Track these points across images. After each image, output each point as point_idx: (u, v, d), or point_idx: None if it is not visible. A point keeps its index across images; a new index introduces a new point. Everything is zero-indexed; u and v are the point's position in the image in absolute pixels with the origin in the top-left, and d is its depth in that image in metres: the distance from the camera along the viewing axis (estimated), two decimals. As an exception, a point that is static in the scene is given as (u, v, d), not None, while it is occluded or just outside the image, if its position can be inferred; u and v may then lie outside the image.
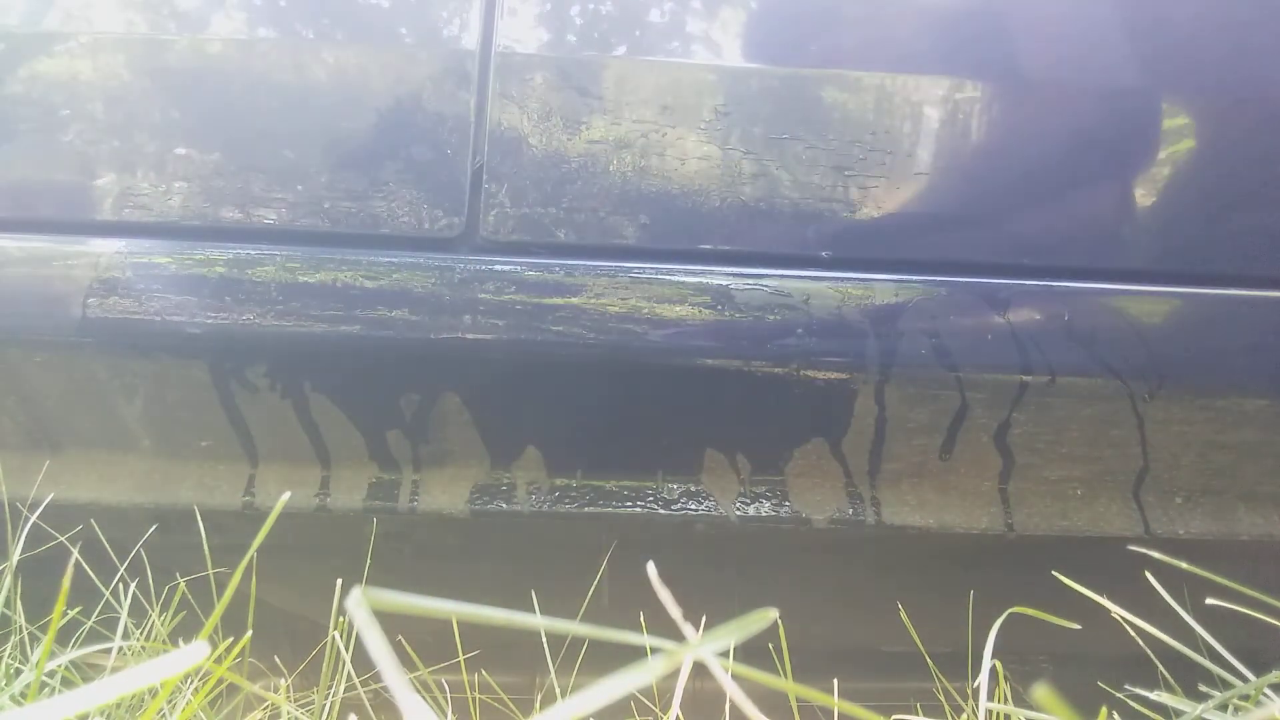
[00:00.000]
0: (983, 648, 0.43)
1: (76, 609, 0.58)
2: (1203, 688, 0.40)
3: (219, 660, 0.38)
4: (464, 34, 0.54)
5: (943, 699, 0.61)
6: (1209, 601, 0.41)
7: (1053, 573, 0.41)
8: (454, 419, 0.57)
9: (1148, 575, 0.41)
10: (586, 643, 0.64)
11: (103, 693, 0.17)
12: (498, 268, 0.53)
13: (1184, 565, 0.42)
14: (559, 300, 0.52)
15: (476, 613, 0.19)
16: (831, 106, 0.53)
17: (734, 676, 0.21)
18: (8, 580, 0.51)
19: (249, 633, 0.41)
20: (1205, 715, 0.36)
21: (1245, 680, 0.39)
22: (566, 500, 0.58)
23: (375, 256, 0.53)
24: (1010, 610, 0.44)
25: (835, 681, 0.59)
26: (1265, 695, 0.39)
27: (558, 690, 0.61)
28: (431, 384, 0.55)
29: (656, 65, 0.53)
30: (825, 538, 0.59)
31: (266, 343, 0.53)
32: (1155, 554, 0.45)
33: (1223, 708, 0.38)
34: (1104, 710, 0.37)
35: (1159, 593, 0.44)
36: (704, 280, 0.53)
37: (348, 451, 0.58)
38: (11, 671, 0.52)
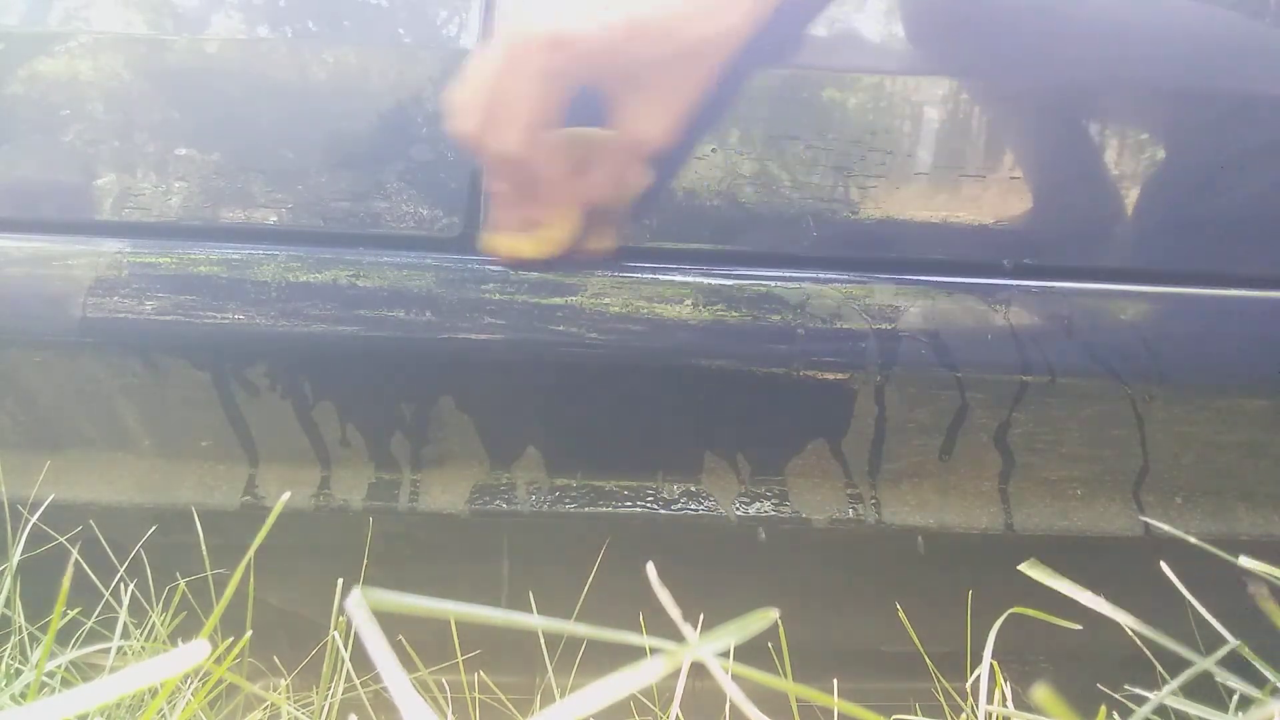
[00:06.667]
0: (982, 648, 0.43)
1: (76, 609, 0.58)
2: (1230, 683, 0.40)
3: (219, 660, 0.38)
4: (464, 34, 0.54)
5: (942, 699, 0.61)
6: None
7: (1018, 568, 0.41)
8: (453, 419, 0.57)
9: (1163, 565, 0.41)
10: (585, 643, 0.64)
11: (103, 693, 0.17)
12: (498, 268, 0.53)
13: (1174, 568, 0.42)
14: (559, 300, 0.52)
15: (476, 613, 0.19)
16: (831, 105, 0.54)
17: (734, 677, 0.21)
18: (8, 581, 0.51)
19: (249, 633, 0.41)
20: (1205, 715, 0.36)
21: (1251, 680, 0.39)
22: (567, 500, 0.58)
23: (375, 256, 0.53)
24: (1010, 610, 0.44)
25: (835, 682, 0.59)
26: None
27: (557, 690, 0.61)
28: (431, 384, 0.55)
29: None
30: (825, 537, 0.59)
31: (266, 343, 0.53)
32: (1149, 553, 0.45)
33: (1222, 708, 0.38)
34: (1103, 710, 0.37)
35: (1158, 593, 0.44)
36: (703, 280, 0.53)
37: (347, 452, 0.58)
38: (11, 671, 0.52)
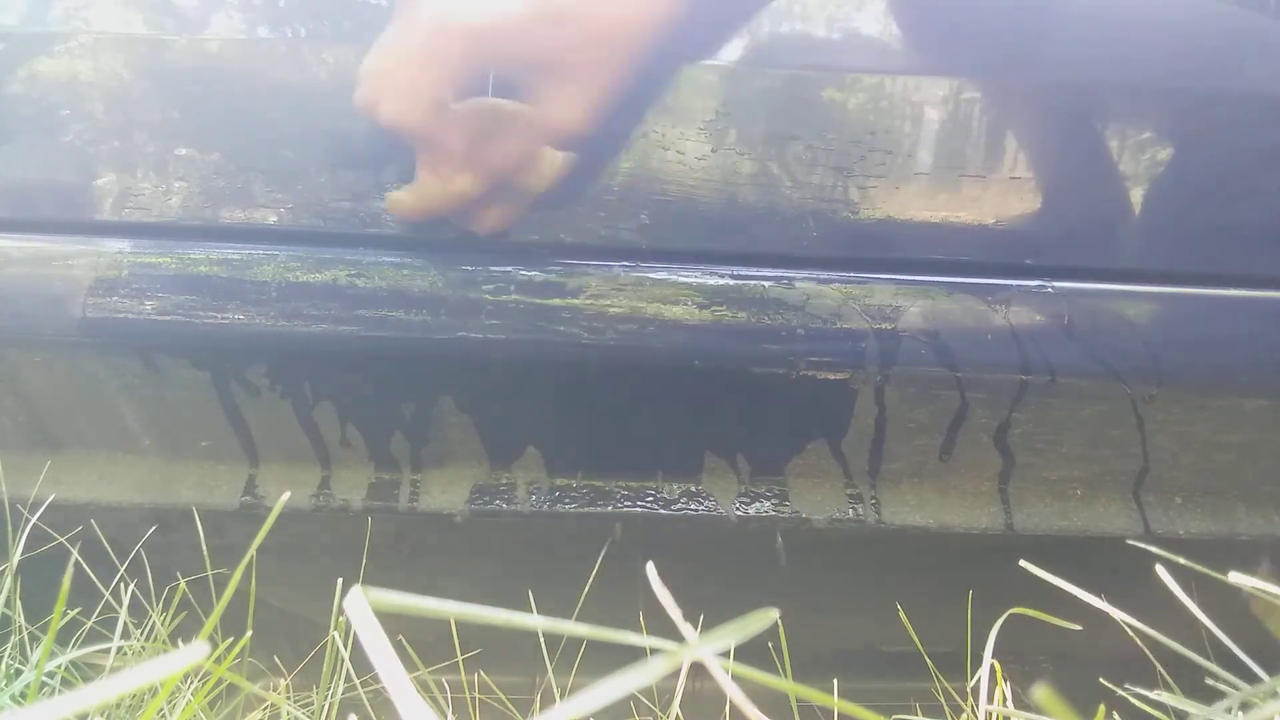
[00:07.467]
0: (983, 648, 0.43)
1: (76, 609, 0.58)
2: (1214, 683, 0.40)
3: (219, 660, 0.38)
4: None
5: (942, 699, 0.61)
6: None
7: (1021, 562, 0.41)
8: (453, 419, 0.57)
9: (1159, 569, 0.41)
10: (585, 643, 0.64)
11: (103, 693, 0.17)
12: (498, 268, 0.53)
13: (1182, 563, 0.42)
14: (559, 300, 0.52)
15: (476, 613, 0.19)
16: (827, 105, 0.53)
17: (734, 677, 0.21)
18: (8, 581, 0.51)
19: (249, 633, 0.41)
20: (1205, 715, 0.36)
21: (1250, 681, 0.39)
22: (567, 500, 0.58)
23: (375, 256, 0.53)
24: (1011, 611, 0.44)
25: (835, 681, 0.59)
26: None
27: (557, 691, 0.61)
28: (431, 384, 0.55)
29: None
30: (825, 537, 0.59)
31: (266, 343, 0.53)
32: (1156, 551, 0.45)
33: (1225, 708, 0.38)
34: (1102, 709, 0.37)
35: (1158, 593, 0.44)
36: (703, 280, 0.53)
37: (347, 452, 0.58)
38: (11, 671, 0.52)
